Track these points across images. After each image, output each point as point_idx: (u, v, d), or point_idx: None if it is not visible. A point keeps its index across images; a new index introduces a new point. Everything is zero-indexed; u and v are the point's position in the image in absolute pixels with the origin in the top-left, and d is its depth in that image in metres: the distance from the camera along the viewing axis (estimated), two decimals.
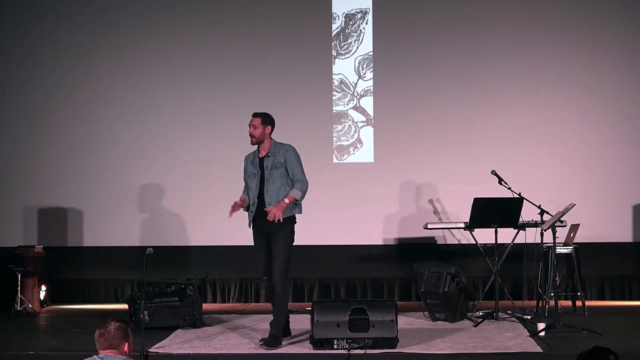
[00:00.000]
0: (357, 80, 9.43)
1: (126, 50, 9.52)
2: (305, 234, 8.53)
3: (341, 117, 9.43)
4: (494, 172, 7.91)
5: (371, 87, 9.41)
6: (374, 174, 9.32)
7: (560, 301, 7.93)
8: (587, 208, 8.67)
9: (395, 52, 9.39)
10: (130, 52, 9.51)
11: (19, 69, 9.59)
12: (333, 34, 9.45)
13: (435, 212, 9.22)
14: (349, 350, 6.20)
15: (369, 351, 6.20)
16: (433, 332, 7.10)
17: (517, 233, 8.00)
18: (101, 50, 9.52)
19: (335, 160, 9.39)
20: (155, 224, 9.39)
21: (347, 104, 9.43)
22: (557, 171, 9.18)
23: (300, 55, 9.41)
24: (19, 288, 8.60)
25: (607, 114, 9.24)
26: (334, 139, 9.40)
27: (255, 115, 6.75)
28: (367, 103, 9.41)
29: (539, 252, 7.96)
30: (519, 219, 7.83)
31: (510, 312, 7.88)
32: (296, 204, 6.65)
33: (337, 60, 9.44)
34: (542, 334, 6.79)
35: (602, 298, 9.19)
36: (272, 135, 6.76)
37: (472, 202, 7.86)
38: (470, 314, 7.83)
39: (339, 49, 9.45)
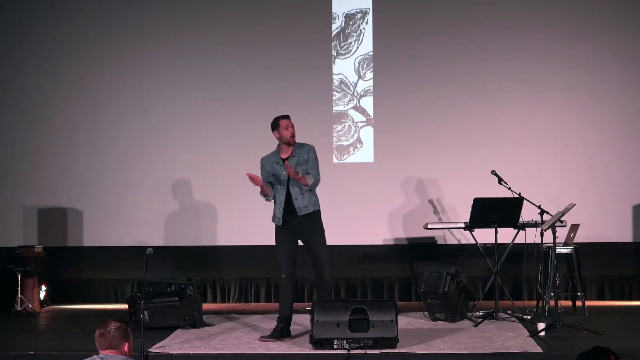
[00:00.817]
0: (357, 80, 9.43)
1: (126, 50, 9.52)
2: None
3: (341, 117, 9.43)
4: (494, 172, 7.91)
5: (371, 87, 9.41)
6: (374, 174, 9.32)
7: (560, 301, 7.93)
8: (587, 208, 8.66)
9: (395, 52, 9.39)
10: (130, 52, 9.51)
11: (19, 69, 9.58)
12: (333, 34, 9.45)
13: (435, 212, 9.22)
14: (349, 350, 6.20)
15: (369, 351, 6.20)
16: (433, 332, 7.10)
17: (517, 233, 8.00)
18: (101, 50, 9.52)
19: (335, 160, 9.39)
20: (155, 224, 9.38)
21: (347, 104, 9.43)
22: (557, 171, 9.18)
23: (300, 55, 9.41)
24: (19, 288, 8.60)
25: (607, 114, 9.23)
26: (334, 139, 9.40)
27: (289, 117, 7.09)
28: (367, 103, 9.41)
29: (539, 252, 7.96)
30: (519, 219, 7.83)
31: (510, 312, 7.88)
32: (309, 190, 6.91)
33: (337, 60, 9.44)
34: (542, 334, 6.79)
35: (602, 298, 9.19)
36: (274, 136, 7.09)
37: (472, 202, 7.86)
38: (470, 314, 7.83)
39: (339, 49, 9.45)
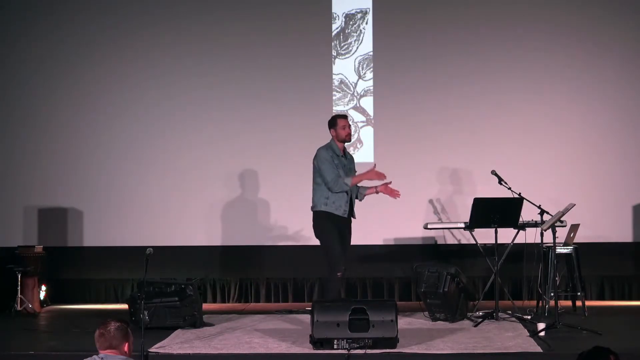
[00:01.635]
0: (357, 80, 9.43)
1: (126, 50, 9.52)
2: (305, 234, 8.57)
3: None
4: (494, 172, 7.91)
5: (371, 87, 9.41)
6: None
7: (560, 301, 7.93)
8: (587, 208, 8.66)
9: (395, 52, 9.39)
10: (130, 52, 9.52)
11: (19, 69, 9.58)
12: (333, 34, 9.45)
13: (435, 212, 9.22)
14: (349, 350, 6.20)
15: (369, 351, 6.19)
16: (433, 332, 7.09)
17: (517, 233, 8.00)
18: (101, 50, 9.52)
19: None
20: (155, 224, 9.38)
21: (347, 104, 9.43)
22: (557, 171, 9.18)
23: (300, 55, 9.41)
24: (19, 288, 8.59)
25: (607, 114, 9.24)
26: None
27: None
28: (367, 103, 9.41)
29: (539, 252, 7.96)
30: (519, 219, 7.82)
31: (510, 312, 7.88)
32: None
33: (337, 60, 9.44)
34: (542, 334, 6.78)
35: (602, 298, 9.19)
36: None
37: (472, 202, 7.86)
38: (470, 314, 7.82)
39: (339, 49, 9.45)
